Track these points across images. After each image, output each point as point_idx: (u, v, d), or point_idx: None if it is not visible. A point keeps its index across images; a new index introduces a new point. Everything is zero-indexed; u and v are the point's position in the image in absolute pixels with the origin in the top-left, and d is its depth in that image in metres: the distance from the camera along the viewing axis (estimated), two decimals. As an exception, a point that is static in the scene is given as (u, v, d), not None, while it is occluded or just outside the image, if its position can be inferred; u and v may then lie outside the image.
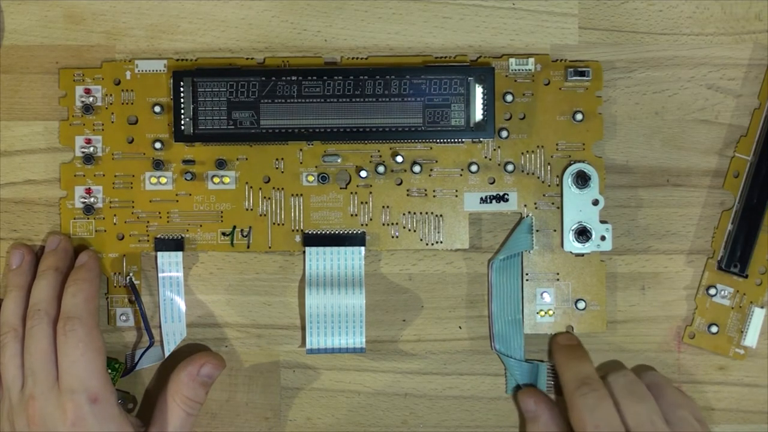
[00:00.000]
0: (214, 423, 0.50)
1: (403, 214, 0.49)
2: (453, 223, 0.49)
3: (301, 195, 0.49)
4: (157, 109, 0.49)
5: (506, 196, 0.49)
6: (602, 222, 0.49)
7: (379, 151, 0.49)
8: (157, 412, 0.48)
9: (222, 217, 0.49)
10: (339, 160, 0.49)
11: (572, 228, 0.49)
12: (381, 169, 0.49)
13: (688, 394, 0.50)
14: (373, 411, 0.50)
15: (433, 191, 0.49)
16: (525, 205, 0.49)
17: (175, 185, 0.49)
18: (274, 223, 0.49)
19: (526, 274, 0.49)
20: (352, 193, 0.49)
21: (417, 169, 0.49)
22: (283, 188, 0.49)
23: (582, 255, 0.49)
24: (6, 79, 0.49)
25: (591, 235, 0.49)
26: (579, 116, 0.49)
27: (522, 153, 0.49)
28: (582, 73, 0.49)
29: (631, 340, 0.50)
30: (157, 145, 0.49)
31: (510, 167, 0.49)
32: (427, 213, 0.49)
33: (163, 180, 0.49)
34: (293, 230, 0.49)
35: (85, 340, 0.45)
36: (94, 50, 0.50)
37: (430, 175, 0.49)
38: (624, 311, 0.50)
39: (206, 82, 0.47)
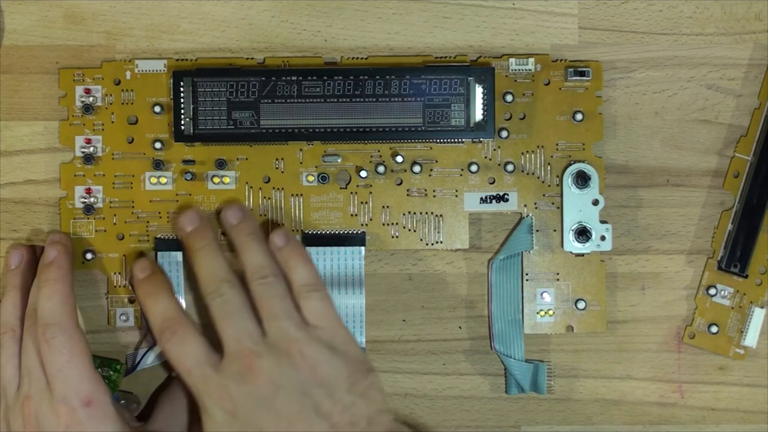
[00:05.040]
0: (214, 423, 0.50)
1: (403, 214, 0.49)
2: (453, 223, 0.49)
3: (301, 195, 0.49)
4: (157, 109, 0.49)
5: (506, 196, 0.49)
6: (602, 222, 0.49)
7: (379, 151, 0.49)
8: (161, 413, 0.47)
9: (222, 217, 0.49)
10: (339, 160, 0.49)
11: (572, 228, 0.49)
12: (381, 169, 0.49)
13: (688, 394, 0.50)
14: (373, 411, 0.50)
15: (433, 191, 0.49)
16: (525, 205, 0.49)
17: (175, 185, 0.49)
18: (274, 223, 0.49)
19: (526, 274, 0.49)
20: (352, 193, 0.49)
21: (417, 169, 0.49)
22: (283, 188, 0.49)
23: (582, 255, 0.49)
24: (6, 79, 0.49)
25: (591, 235, 0.49)
26: (579, 116, 0.49)
27: (522, 153, 0.49)
28: (582, 73, 0.49)
29: (631, 340, 0.50)
30: (157, 145, 0.49)
31: (510, 167, 0.49)
32: (427, 213, 0.49)
33: (163, 180, 0.49)
34: (293, 230, 0.49)
35: (69, 345, 0.44)
36: (94, 50, 0.49)
37: (430, 175, 0.49)
38: (624, 311, 0.50)
39: (206, 82, 0.47)
